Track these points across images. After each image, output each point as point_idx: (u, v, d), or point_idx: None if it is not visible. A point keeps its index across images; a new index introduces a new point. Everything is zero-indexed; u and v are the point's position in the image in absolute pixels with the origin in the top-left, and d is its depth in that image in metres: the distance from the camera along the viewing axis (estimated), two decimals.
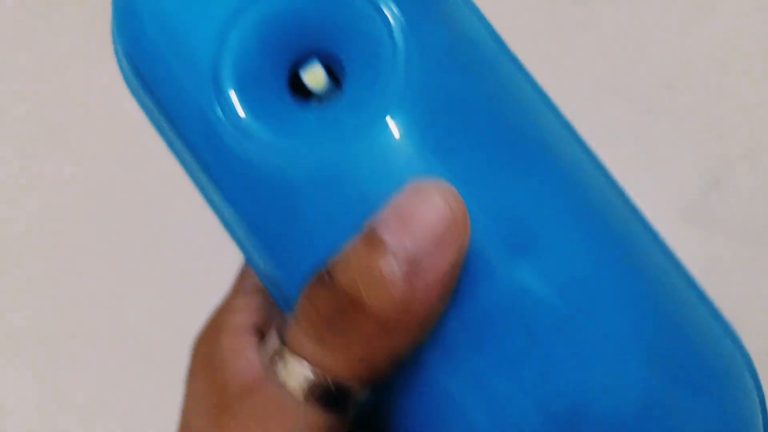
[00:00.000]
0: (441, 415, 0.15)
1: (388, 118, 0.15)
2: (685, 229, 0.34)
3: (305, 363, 0.14)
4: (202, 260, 0.36)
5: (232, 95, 0.15)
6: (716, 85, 0.37)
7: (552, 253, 0.15)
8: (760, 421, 0.16)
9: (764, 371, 0.30)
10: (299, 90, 0.16)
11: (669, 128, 0.36)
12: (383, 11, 0.15)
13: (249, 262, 0.18)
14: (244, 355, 0.16)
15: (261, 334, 0.17)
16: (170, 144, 0.17)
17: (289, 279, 0.16)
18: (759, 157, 0.35)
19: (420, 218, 0.13)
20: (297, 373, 0.14)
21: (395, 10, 0.15)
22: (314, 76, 0.16)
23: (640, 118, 0.37)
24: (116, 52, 0.17)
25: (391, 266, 0.13)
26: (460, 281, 0.14)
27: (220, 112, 0.15)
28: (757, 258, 0.33)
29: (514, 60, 0.17)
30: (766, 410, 0.17)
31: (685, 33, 0.38)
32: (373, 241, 0.14)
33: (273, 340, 0.15)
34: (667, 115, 0.36)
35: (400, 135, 0.15)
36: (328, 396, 0.14)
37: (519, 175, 0.15)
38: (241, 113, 0.15)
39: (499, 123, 0.16)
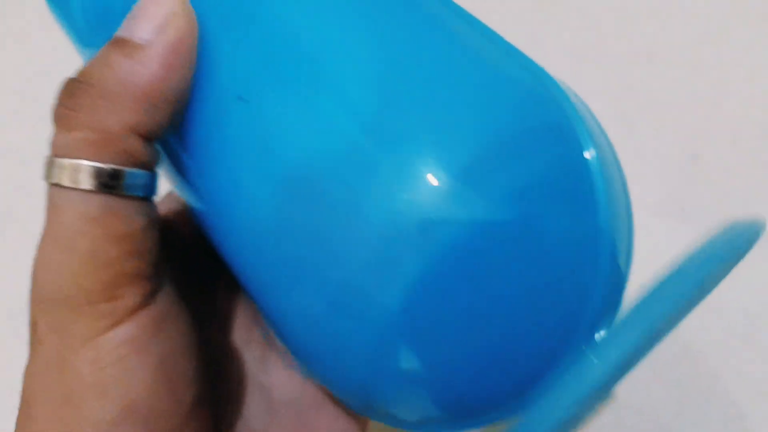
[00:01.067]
0: (214, 198, 0.17)
1: None
2: (663, 205, 0.34)
3: (56, 158, 0.16)
4: None
5: None
6: (696, 56, 0.36)
7: (265, 25, 0.16)
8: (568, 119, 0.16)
9: (747, 364, 0.30)
10: None
11: (648, 101, 0.36)
12: None
13: None
14: None
15: None
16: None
17: None
18: (739, 131, 0.35)
19: (143, 10, 0.16)
20: (55, 168, 0.16)
21: None
22: None
23: (620, 90, 0.36)
24: None
25: (116, 49, 0.16)
26: (200, 66, 0.17)
27: None
28: None
29: None
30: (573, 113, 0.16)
31: (664, 2, 0.37)
32: (110, 41, 0.16)
33: (46, 156, 0.17)
34: (646, 88, 0.36)
35: None
36: (83, 177, 0.15)
37: None
38: None
39: None
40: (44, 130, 0.38)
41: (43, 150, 0.39)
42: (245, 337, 0.22)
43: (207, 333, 0.21)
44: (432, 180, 0.14)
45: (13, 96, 0.40)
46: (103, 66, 0.16)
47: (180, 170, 0.18)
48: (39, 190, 0.37)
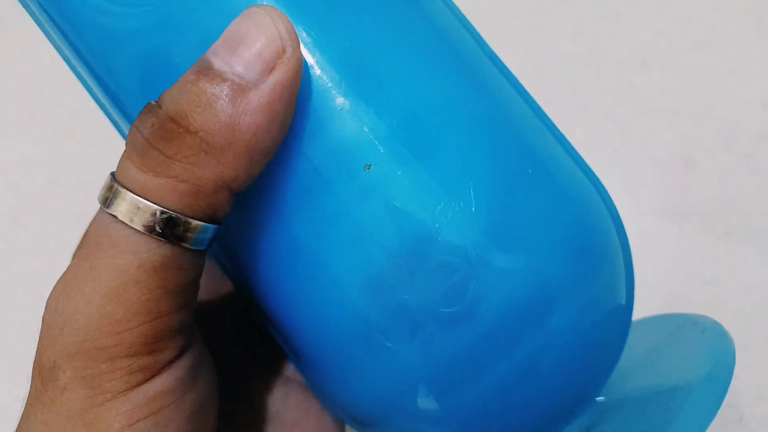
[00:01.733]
0: (292, 258, 0.16)
1: None
2: (658, 209, 0.34)
3: (130, 192, 0.14)
4: None
5: None
6: (690, 62, 0.37)
7: (394, 91, 0.15)
8: (612, 229, 0.17)
9: (744, 368, 0.30)
10: None
11: (642, 106, 0.36)
12: None
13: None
14: None
15: None
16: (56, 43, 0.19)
17: None
18: (733, 136, 0.35)
19: (248, 41, 0.14)
20: (124, 203, 0.14)
21: None
22: None
23: (615, 96, 0.36)
24: None
25: (217, 88, 0.14)
26: (305, 120, 0.15)
27: None
28: (729, 238, 0.33)
29: None
30: (619, 221, 0.17)
31: (659, 9, 0.38)
32: (202, 66, 0.14)
33: (106, 180, 0.15)
34: (641, 94, 0.36)
35: None
36: (156, 223, 0.14)
37: (368, 16, 0.16)
38: None
39: None
40: (48, 141, 0.38)
41: (48, 159, 0.39)
42: (269, 372, 0.22)
43: (228, 368, 0.20)
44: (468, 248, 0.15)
45: (20, 107, 0.40)
46: (203, 109, 0.14)
47: (241, 227, 0.17)
48: (44, 198, 0.38)
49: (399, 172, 0.15)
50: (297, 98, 0.14)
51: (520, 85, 0.18)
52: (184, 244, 0.14)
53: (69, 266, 0.15)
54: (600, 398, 0.18)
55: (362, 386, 0.16)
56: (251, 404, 0.21)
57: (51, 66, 0.40)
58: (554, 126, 0.18)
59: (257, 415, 0.21)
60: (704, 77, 0.36)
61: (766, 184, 0.34)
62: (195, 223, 0.14)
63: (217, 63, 0.14)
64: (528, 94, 0.18)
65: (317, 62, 0.15)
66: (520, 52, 0.38)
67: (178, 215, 0.14)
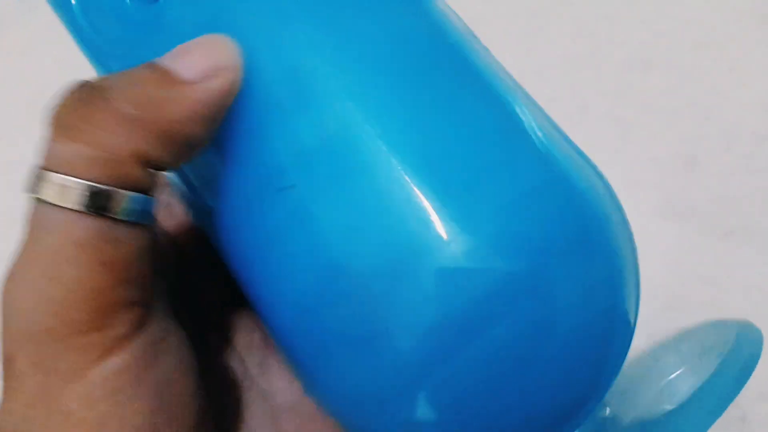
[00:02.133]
0: (259, 261, 0.16)
1: None
2: (658, 210, 0.34)
3: (51, 172, 0.14)
4: None
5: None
6: (691, 63, 0.37)
7: (329, 107, 0.15)
8: (613, 216, 0.17)
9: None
10: None
11: (643, 107, 0.36)
12: None
13: None
14: None
15: None
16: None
17: None
18: (733, 136, 0.35)
19: (192, 52, 0.15)
20: (47, 184, 0.14)
21: None
22: None
23: (617, 97, 0.36)
24: None
25: (150, 73, 0.15)
26: (241, 135, 0.16)
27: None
28: (729, 238, 0.33)
29: None
30: (621, 210, 0.17)
31: (659, 9, 0.38)
32: (148, 63, 0.15)
33: (34, 167, 0.15)
34: (643, 95, 0.36)
35: None
36: (80, 197, 0.14)
37: (320, 33, 0.16)
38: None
39: None
40: None
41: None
42: (246, 342, 0.21)
43: (207, 342, 0.20)
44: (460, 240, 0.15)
45: (20, 108, 0.40)
46: (131, 85, 0.15)
47: (213, 219, 0.17)
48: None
49: (324, 192, 0.15)
50: (226, 112, 0.15)
51: (503, 69, 0.17)
52: (112, 215, 0.14)
53: (13, 258, 0.15)
54: (604, 408, 0.18)
55: (348, 389, 0.16)
56: (269, 398, 0.21)
57: (51, 66, 0.40)
58: (548, 117, 0.17)
59: (276, 410, 0.20)
60: (704, 78, 0.36)
61: (766, 184, 0.34)
62: (121, 192, 0.15)
63: (164, 60, 0.15)
64: (511, 81, 0.17)
65: (261, 80, 0.16)
66: (520, 52, 0.38)
67: (100, 186, 0.14)
